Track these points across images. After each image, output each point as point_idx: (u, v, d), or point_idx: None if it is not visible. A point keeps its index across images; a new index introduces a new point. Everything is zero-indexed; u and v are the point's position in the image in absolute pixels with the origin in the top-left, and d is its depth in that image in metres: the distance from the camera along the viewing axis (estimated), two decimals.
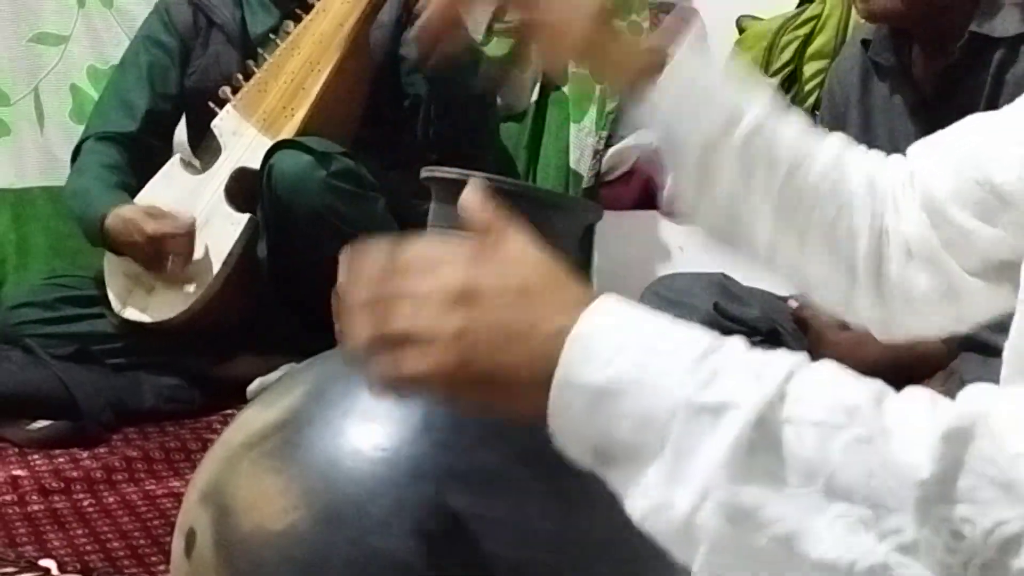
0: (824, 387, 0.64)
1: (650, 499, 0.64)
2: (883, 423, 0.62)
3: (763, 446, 0.62)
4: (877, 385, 0.65)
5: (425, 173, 0.96)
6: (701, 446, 0.63)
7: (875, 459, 0.61)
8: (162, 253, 2.31)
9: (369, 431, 0.87)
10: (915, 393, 0.65)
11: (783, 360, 0.65)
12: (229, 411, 2.29)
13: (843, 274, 1.00)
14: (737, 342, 0.67)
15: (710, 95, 0.97)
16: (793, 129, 1.00)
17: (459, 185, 0.92)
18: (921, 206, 0.99)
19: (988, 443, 0.60)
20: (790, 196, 0.98)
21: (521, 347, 0.67)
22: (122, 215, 2.34)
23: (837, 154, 1.01)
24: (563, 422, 0.67)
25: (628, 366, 0.65)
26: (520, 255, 0.71)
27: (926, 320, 1.01)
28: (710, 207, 0.99)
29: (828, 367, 0.66)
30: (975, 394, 0.64)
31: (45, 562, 1.70)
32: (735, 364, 0.65)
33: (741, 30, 2.94)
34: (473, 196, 0.75)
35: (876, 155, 1.05)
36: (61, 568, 1.68)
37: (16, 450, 2.14)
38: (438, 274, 0.70)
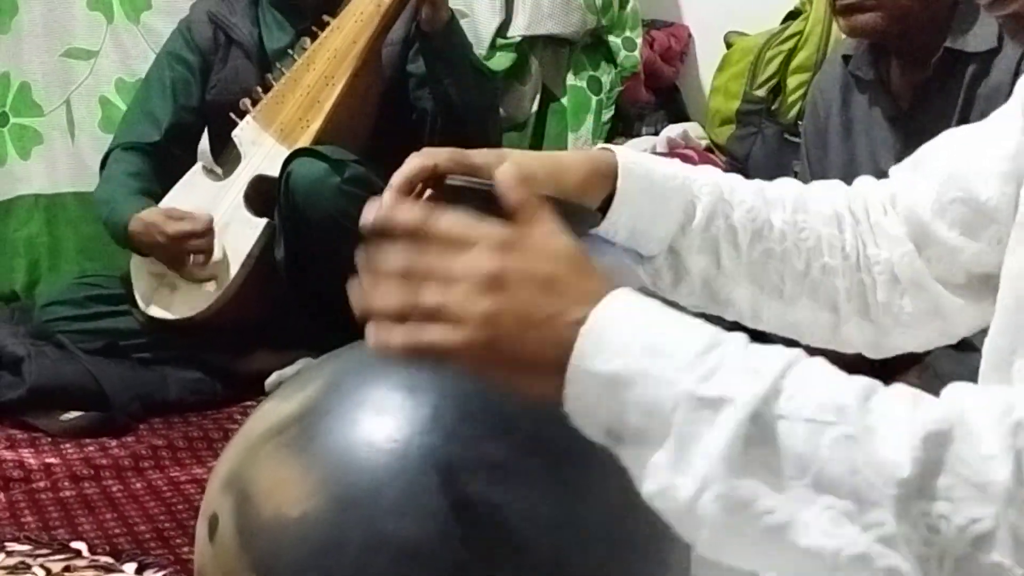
0: (816, 384, 0.65)
1: (657, 482, 0.65)
2: (868, 421, 0.63)
3: (758, 440, 0.63)
4: (865, 381, 0.65)
5: None
6: (702, 438, 0.64)
7: (859, 456, 0.62)
8: (183, 252, 2.31)
9: (382, 423, 0.87)
10: (899, 390, 0.65)
11: (780, 356, 0.66)
12: (249, 403, 2.29)
13: (827, 313, 0.98)
14: (738, 337, 0.67)
15: (663, 199, 0.93)
16: (744, 196, 0.97)
17: (464, 191, 0.92)
18: (905, 227, 0.97)
19: (965, 445, 0.61)
20: (759, 260, 0.96)
21: (542, 335, 0.68)
22: (143, 219, 2.34)
23: (793, 202, 0.98)
24: (578, 406, 0.68)
25: (636, 358, 0.66)
26: (548, 243, 0.71)
27: (914, 337, 1.00)
28: (688, 292, 0.97)
29: (820, 363, 0.66)
30: (956, 394, 0.65)
31: (76, 544, 1.70)
32: (734, 359, 0.65)
33: (728, 45, 2.94)
34: (508, 175, 0.74)
35: (838, 187, 1.02)
36: (91, 550, 1.68)
37: (49, 439, 2.14)
38: (471, 256, 0.70)
